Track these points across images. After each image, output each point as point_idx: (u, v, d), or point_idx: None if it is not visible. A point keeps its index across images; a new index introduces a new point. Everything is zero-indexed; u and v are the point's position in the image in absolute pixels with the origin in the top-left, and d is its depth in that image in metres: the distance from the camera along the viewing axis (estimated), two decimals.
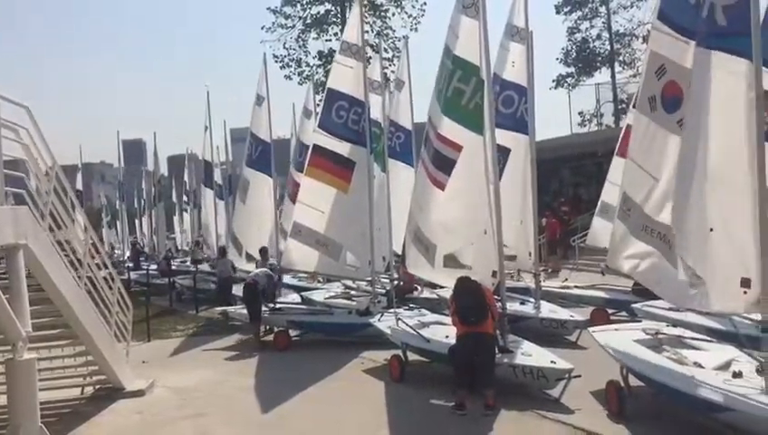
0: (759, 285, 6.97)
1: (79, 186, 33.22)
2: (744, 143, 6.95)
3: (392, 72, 28.07)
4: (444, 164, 10.74)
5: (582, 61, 42.72)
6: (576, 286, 15.33)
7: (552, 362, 9.10)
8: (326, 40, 37.42)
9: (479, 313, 8.82)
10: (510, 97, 15.37)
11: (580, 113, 38.86)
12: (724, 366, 7.76)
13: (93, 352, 9.76)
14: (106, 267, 10.78)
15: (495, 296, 10.10)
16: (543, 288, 15.44)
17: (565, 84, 43.85)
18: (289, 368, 12.23)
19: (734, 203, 7.09)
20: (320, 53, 37.71)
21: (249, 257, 18.92)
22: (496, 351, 9.43)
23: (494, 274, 10.22)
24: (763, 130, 6.89)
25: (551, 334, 12.71)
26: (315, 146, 14.96)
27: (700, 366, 7.90)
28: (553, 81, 44.62)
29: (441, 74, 10.97)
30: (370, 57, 22.52)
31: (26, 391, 7.15)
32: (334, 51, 33.95)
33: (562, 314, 13.14)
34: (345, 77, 14.74)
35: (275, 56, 37.17)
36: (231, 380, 11.66)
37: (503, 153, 15.29)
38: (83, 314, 9.15)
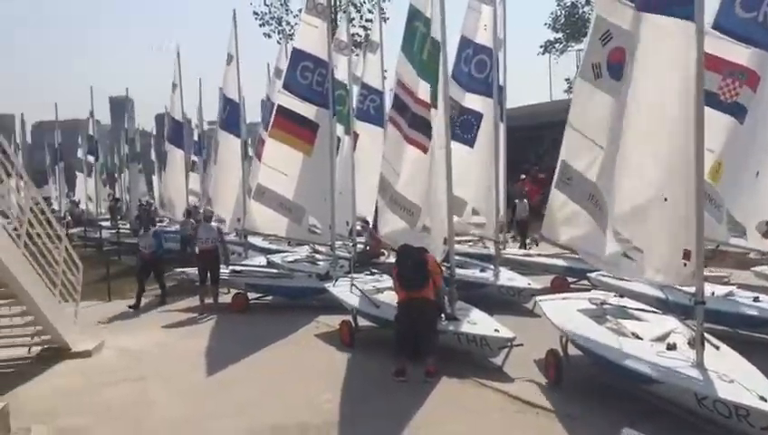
0: (696, 257, 6.90)
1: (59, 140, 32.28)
2: (689, 110, 6.81)
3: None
4: (427, 127, 10.52)
5: (571, 26, 42.21)
6: (539, 254, 15.22)
7: (495, 330, 9.03)
8: None
9: (419, 279, 8.71)
10: (483, 61, 15.14)
11: (566, 80, 38.49)
12: (662, 338, 7.71)
13: (34, 312, 9.60)
14: (51, 226, 10.55)
15: (446, 264, 10.02)
16: (508, 256, 15.44)
17: (553, 50, 43.45)
18: (242, 331, 12.16)
19: (682, 173, 6.96)
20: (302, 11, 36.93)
21: (218, 219, 18.72)
22: (442, 318, 9.38)
23: (445, 240, 10.10)
24: (702, 98, 6.74)
25: (508, 302, 12.68)
26: (279, 107, 14.68)
27: (638, 337, 7.86)
28: (541, 46, 44.22)
29: (412, 37, 10.68)
30: (341, 17, 21.99)
31: None
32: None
33: (520, 281, 13.07)
34: (310, 37, 14.42)
35: (255, 13, 36.41)
36: (182, 342, 11.59)
37: (476, 118, 15.17)
38: (19, 273, 8.96)
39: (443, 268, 9.76)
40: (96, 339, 11.24)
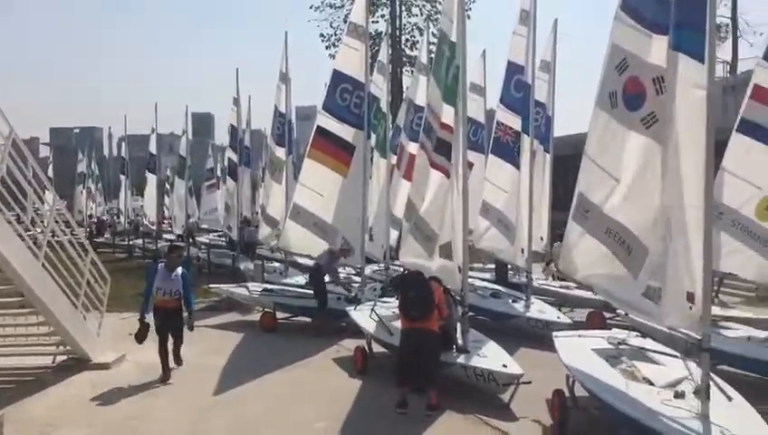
0: (701, 301, 6.41)
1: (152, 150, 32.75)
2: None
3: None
4: (449, 153, 10.32)
5: None
6: (578, 287, 14.58)
7: (503, 365, 8.65)
8: (374, 21, 36.93)
9: (422, 308, 8.43)
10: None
11: None
12: (674, 384, 7.17)
13: (52, 323, 9.82)
14: (78, 239, 10.81)
15: (460, 293, 9.69)
16: (545, 287, 14.92)
17: None
18: (263, 351, 12.12)
19: (691, 213, 6.52)
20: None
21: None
22: (453, 349, 9.08)
23: (459, 269, 9.78)
24: (712, 138, 6.26)
25: (538, 335, 12.20)
26: (318, 127, 14.71)
27: (650, 382, 7.35)
28: None
29: (439, 61, 10.58)
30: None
31: None
32: (380, 32, 34.00)
33: (550, 314, 12.56)
34: (350, 59, 14.42)
35: (322, 35, 37.28)
36: (202, 359, 11.58)
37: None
38: (37, 284, 9.18)
39: (454, 297, 9.46)
40: (119, 351, 11.41)
